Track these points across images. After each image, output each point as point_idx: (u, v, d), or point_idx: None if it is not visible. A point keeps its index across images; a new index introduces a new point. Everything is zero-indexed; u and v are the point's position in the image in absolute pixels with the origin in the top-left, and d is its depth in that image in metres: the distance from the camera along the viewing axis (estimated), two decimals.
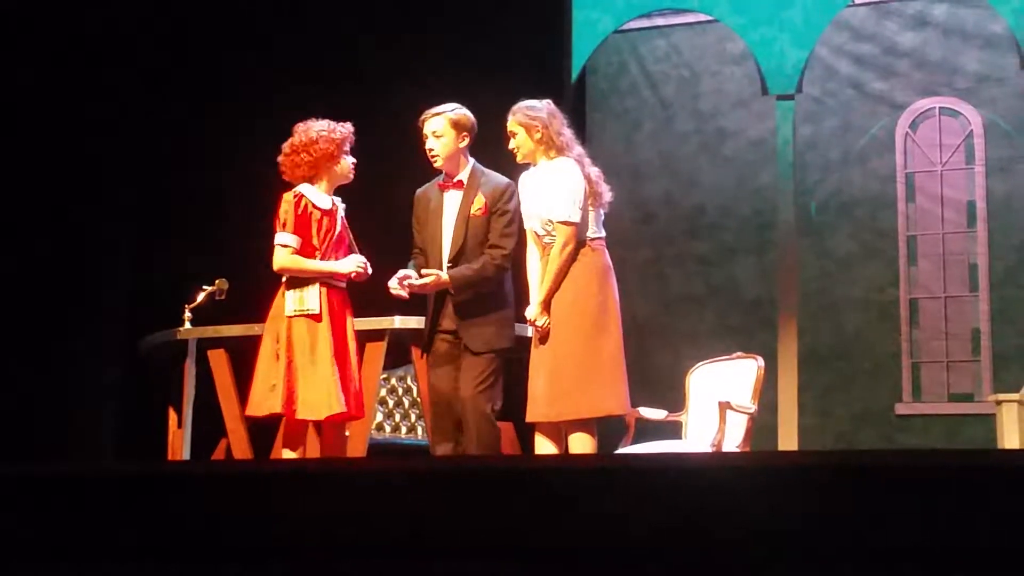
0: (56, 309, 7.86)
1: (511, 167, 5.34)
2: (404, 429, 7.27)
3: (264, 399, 5.19)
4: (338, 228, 5.33)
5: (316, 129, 5.30)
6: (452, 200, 5.27)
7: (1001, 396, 7.39)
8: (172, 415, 6.83)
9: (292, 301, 5.20)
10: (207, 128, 7.96)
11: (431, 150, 5.26)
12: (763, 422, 6.57)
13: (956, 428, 8.89)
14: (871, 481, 2.78)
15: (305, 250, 5.25)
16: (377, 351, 6.03)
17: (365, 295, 6.13)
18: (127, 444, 7.85)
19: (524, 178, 5.29)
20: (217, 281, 6.59)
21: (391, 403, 7.27)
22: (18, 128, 7.70)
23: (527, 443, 5.46)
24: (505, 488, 3.01)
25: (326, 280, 5.25)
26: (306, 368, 5.12)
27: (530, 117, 5.19)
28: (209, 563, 3.12)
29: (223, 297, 6.57)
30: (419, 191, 5.40)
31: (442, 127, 5.23)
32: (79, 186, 8.03)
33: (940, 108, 9.31)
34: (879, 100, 9.39)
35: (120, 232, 8.34)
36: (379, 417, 7.11)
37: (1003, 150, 9.10)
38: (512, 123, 5.21)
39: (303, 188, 5.30)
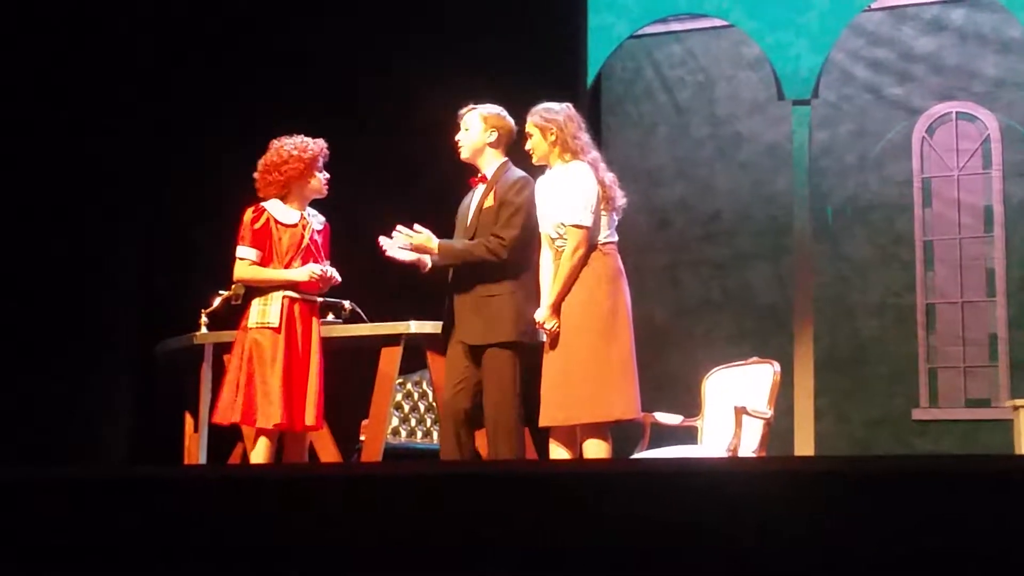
0: (72, 314, 7.89)
1: (530, 170, 5.35)
2: (420, 434, 7.28)
3: (226, 408, 5.36)
4: (305, 242, 5.44)
5: (287, 148, 5.45)
6: (477, 195, 5.34)
7: (1018, 401, 7.36)
8: (188, 420, 6.85)
9: (255, 314, 5.40)
10: (223, 131, 7.97)
11: (458, 141, 5.36)
12: (779, 427, 6.56)
13: (973, 433, 8.86)
14: (888, 487, 2.77)
15: (267, 263, 5.43)
16: (392, 355, 6.03)
17: (381, 300, 6.15)
18: (143, 449, 7.86)
19: (540, 181, 5.30)
20: (233, 286, 6.60)
21: (406, 408, 7.27)
22: (30, 132, 7.73)
23: (543, 449, 5.45)
24: (519, 493, 3.01)
25: (290, 292, 5.39)
26: (263, 378, 5.28)
27: (546, 119, 5.20)
28: (226, 567, 3.13)
29: (239, 302, 6.58)
30: (466, 197, 5.48)
31: (472, 120, 5.35)
32: (93, 189, 8.05)
33: (957, 113, 9.29)
34: (895, 105, 9.38)
35: (135, 235, 8.36)
36: (395, 422, 7.11)
37: (1020, 154, 9.07)
38: (529, 124, 5.24)
39: (268, 203, 5.48)
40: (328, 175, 5.52)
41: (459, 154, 5.37)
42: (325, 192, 5.54)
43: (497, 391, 5.10)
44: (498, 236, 5.19)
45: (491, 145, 5.33)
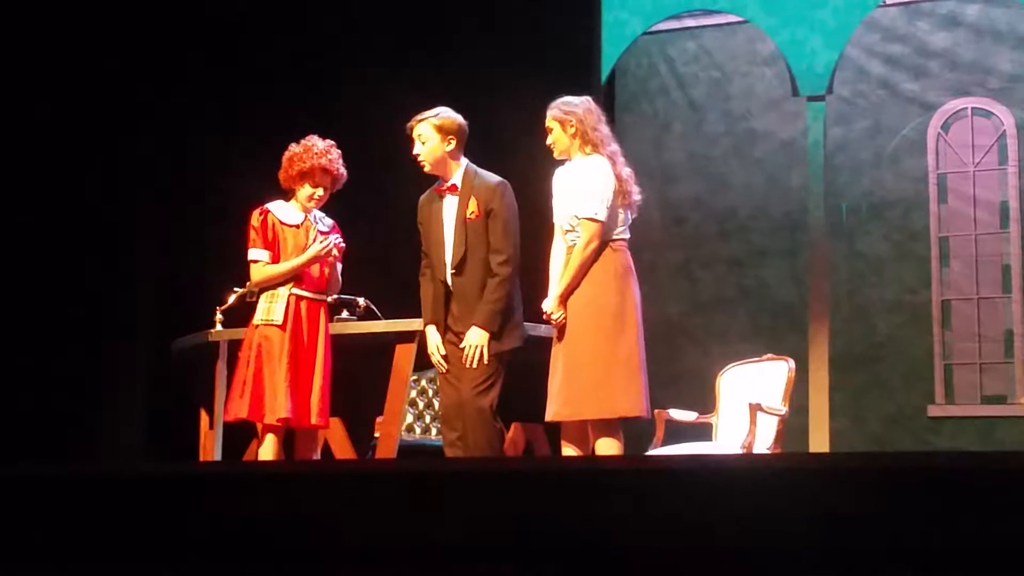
0: (88, 311, 7.91)
1: (550, 163, 5.35)
2: (434, 431, 7.28)
3: (234, 405, 5.41)
4: (308, 242, 5.49)
5: (295, 149, 5.52)
6: (450, 205, 5.31)
7: None
8: (204, 416, 6.86)
9: (261, 311, 5.46)
10: (238, 130, 7.99)
11: (417, 155, 5.32)
12: (794, 424, 6.54)
13: (989, 430, 8.83)
14: (903, 483, 2.76)
15: (275, 263, 5.49)
16: (407, 353, 6.04)
17: (395, 296, 6.16)
18: (159, 445, 7.89)
19: (557, 173, 5.31)
20: (248, 283, 6.62)
21: (421, 404, 7.28)
22: (49, 130, 7.75)
23: (557, 447, 5.46)
24: (530, 489, 3.01)
25: (296, 290, 5.43)
26: (270, 374, 5.32)
27: (565, 112, 5.20)
28: (240, 563, 3.13)
29: (254, 299, 6.60)
30: (422, 197, 5.45)
31: (427, 132, 5.29)
32: (109, 187, 8.08)
33: (972, 108, 9.25)
34: (911, 101, 9.34)
35: (151, 233, 8.38)
36: (409, 418, 7.12)
37: None
38: (549, 118, 5.24)
39: (271, 205, 5.55)
40: (323, 193, 5.51)
41: (421, 168, 5.35)
42: (312, 207, 5.54)
43: (483, 386, 5.13)
44: (499, 252, 5.19)
45: (451, 154, 5.31)
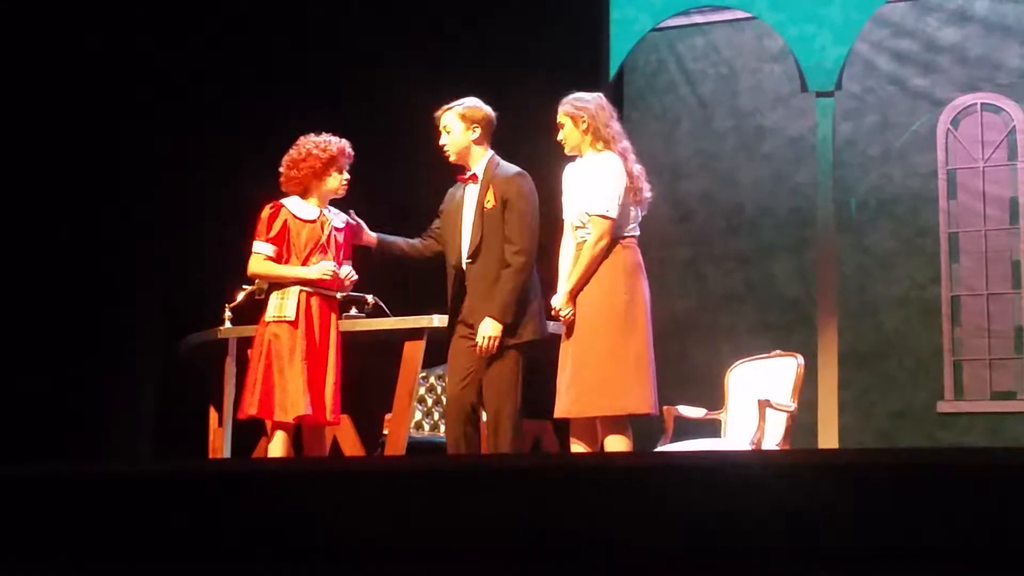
0: (95, 308, 7.93)
1: (557, 159, 5.34)
2: (443, 427, 7.29)
3: (246, 402, 5.42)
4: (323, 238, 5.46)
5: (308, 146, 5.50)
6: (471, 195, 5.32)
7: None
8: (213, 414, 6.87)
9: (273, 307, 5.45)
10: (247, 127, 8.00)
11: (443, 144, 5.33)
12: (803, 421, 6.54)
13: (998, 426, 8.82)
14: (912, 479, 2.76)
15: (283, 259, 5.48)
16: (416, 350, 6.04)
17: (404, 293, 6.16)
18: (168, 443, 7.90)
19: (568, 169, 5.31)
20: (256, 280, 6.63)
21: (430, 401, 7.29)
22: (57, 129, 7.77)
23: (566, 443, 5.45)
24: (540, 486, 3.01)
25: (308, 287, 5.42)
26: (281, 371, 5.31)
27: (577, 108, 5.21)
28: (253, 560, 3.14)
29: (263, 296, 6.62)
30: (452, 188, 5.46)
31: (451, 121, 5.31)
32: (117, 185, 8.09)
33: (982, 104, 9.23)
34: (920, 96, 9.32)
35: (159, 230, 8.39)
36: (418, 415, 7.12)
37: None
38: (560, 114, 5.24)
39: (286, 200, 5.53)
40: (349, 176, 5.53)
41: (446, 158, 5.36)
42: (342, 193, 5.55)
43: (503, 382, 5.11)
44: (513, 243, 5.17)
45: (475, 142, 5.31)
